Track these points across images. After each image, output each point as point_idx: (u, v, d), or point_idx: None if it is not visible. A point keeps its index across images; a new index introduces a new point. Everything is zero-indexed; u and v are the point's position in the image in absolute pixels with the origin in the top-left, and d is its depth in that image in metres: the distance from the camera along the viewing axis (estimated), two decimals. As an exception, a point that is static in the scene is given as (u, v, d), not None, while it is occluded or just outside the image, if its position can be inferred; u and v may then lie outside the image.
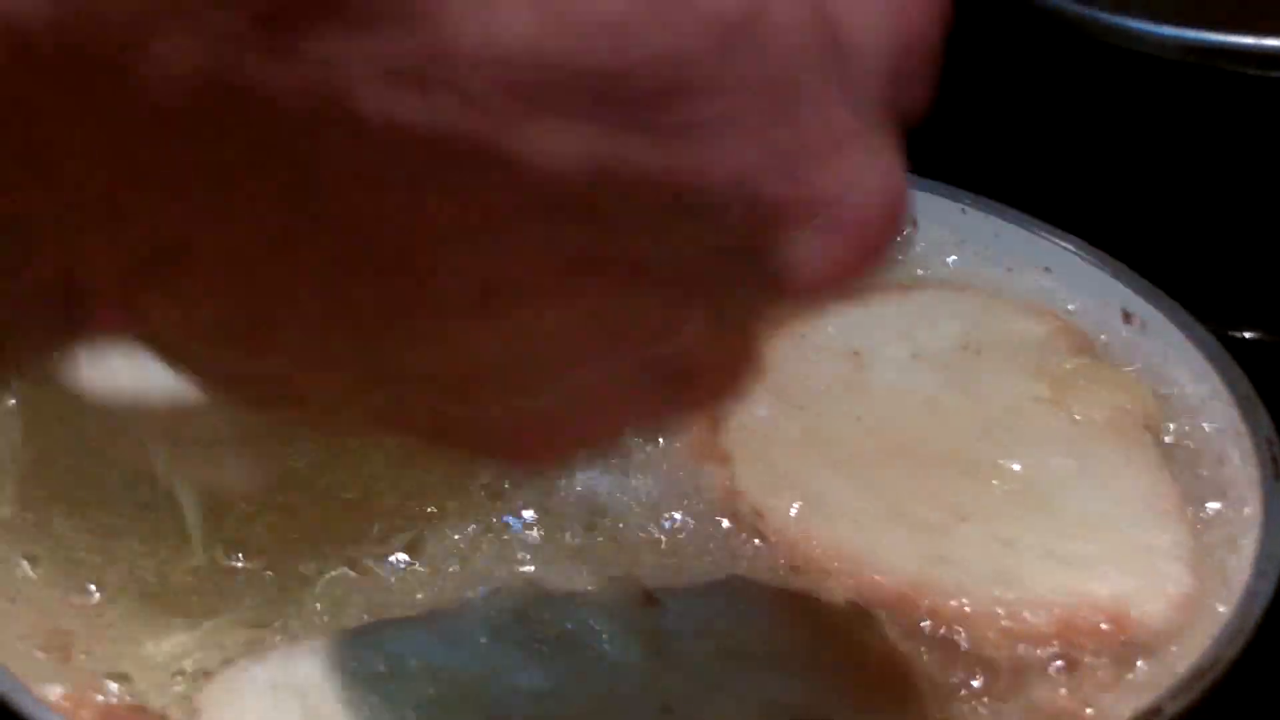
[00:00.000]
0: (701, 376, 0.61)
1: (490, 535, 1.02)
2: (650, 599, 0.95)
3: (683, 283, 0.57)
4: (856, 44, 0.56)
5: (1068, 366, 1.10)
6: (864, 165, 0.57)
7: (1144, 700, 0.90)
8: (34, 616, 0.95)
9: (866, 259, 0.58)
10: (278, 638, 0.94)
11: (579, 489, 1.04)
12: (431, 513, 1.02)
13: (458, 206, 0.52)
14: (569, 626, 0.93)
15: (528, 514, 1.03)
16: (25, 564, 0.98)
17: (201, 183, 0.52)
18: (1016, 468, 1.03)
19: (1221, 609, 0.94)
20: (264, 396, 0.63)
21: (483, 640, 0.93)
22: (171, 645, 0.94)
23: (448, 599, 0.97)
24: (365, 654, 0.92)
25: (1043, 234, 1.20)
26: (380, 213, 0.52)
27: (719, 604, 0.96)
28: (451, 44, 0.49)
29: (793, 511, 1.01)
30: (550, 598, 0.95)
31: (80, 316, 0.57)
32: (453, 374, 0.59)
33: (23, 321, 0.57)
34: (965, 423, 1.08)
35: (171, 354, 0.60)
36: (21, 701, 0.86)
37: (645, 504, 1.04)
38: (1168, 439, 1.07)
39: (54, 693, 0.89)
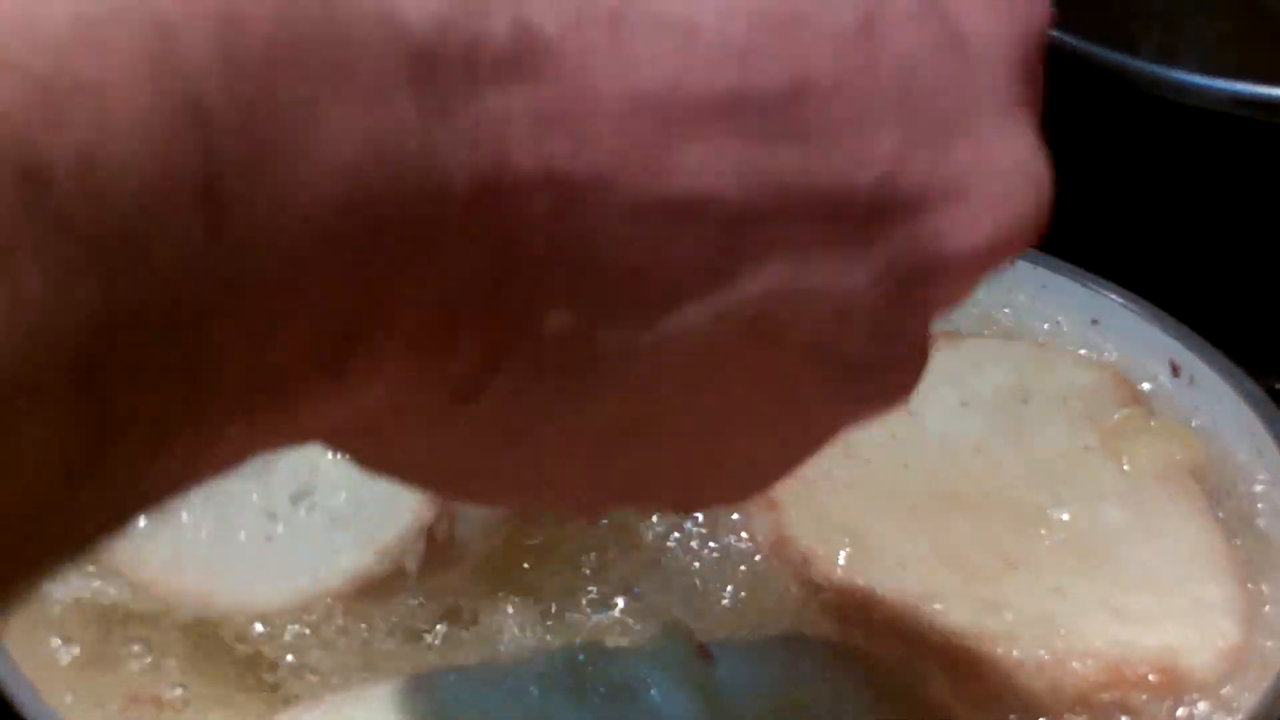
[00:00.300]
0: (876, 378, 0.63)
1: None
2: (704, 652, 0.94)
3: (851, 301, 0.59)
4: (972, 33, 0.58)
5: (1117, 416, 1.11)
6: (1000, 143, 0.59)
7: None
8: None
9: (1016, 235, 0.60)
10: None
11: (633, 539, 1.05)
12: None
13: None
14: (621, 678, 0.93)
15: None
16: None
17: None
18: (1066, 517, 1.04)
19: (1272, 662, 0.94)
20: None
21: (534, 690, 0.93)
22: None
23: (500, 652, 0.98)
24: (418, 703, 0.92)
25: (1090, 286, 1.21)
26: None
27: (772, 657, 0.96)
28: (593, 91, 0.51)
29: (841, 558, 1.02)
30: (602, 648, 0.95)
31: None
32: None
33: None
34: (1015, 471, 1.08)
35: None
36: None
37: (695, 550, 1.04)
38: (1217, 491, 1.07)
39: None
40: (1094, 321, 1.19)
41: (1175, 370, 1.15)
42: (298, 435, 0.53)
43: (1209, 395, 1.12)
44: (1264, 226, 1.35)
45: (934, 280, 0.59)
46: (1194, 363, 1.14)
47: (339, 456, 0.61)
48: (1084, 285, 1.21)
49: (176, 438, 0.46)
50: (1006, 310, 1.22)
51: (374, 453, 0.61)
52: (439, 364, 0.53)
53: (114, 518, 0.47)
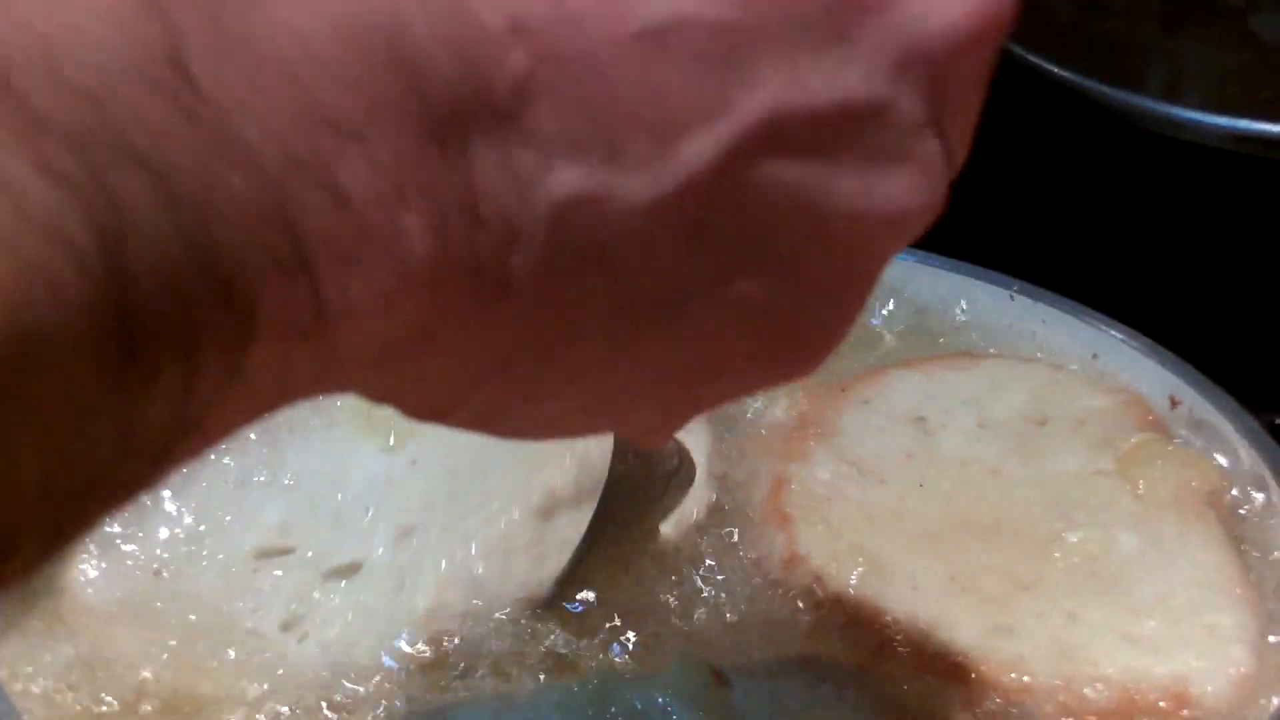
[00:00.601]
0: (905, 179, 0.62)
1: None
2: (721, 678, 0.95)
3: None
4: None
5: (1133, 441, 1.10)
6: None
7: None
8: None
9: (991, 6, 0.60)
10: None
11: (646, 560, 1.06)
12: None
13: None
14: (640, 707, 0.94)
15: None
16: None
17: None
18: (1080, 541, 1.04)
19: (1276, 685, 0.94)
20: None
21: (552, 715, 0.93)
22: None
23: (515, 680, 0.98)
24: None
25: (1089, 320, 1.21)
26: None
27: (790, 682, 0.96)
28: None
29: (853, 579, 1.02)
30: (621, 677, 0.96)
31: None
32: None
33: None
34: (1029, 494, 1.08)
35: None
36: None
37: (709, 570, 1.04)
38: (1232, 518, 1.07)
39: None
40: (1094, 356, 1.20)
41: (1174, 404, 1.15)
42: (337, 371, 0.54)
43: (1208, 427, 1.12)
44: (1264, 262, 1.35)
45: (928, 64, 0.59)
46: (1193, 396, 1.14)
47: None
48: (1084, 320, 1.21)
49: (205, 354, 0.46)
50: (1007, 344, 1.23)
51: (420, 385, 0.60)
52: (459, 244, 0.53)
53: (152, 461, 0.47)
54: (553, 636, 0.99)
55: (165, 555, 1.03)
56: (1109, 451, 1.10)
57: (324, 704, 0.94)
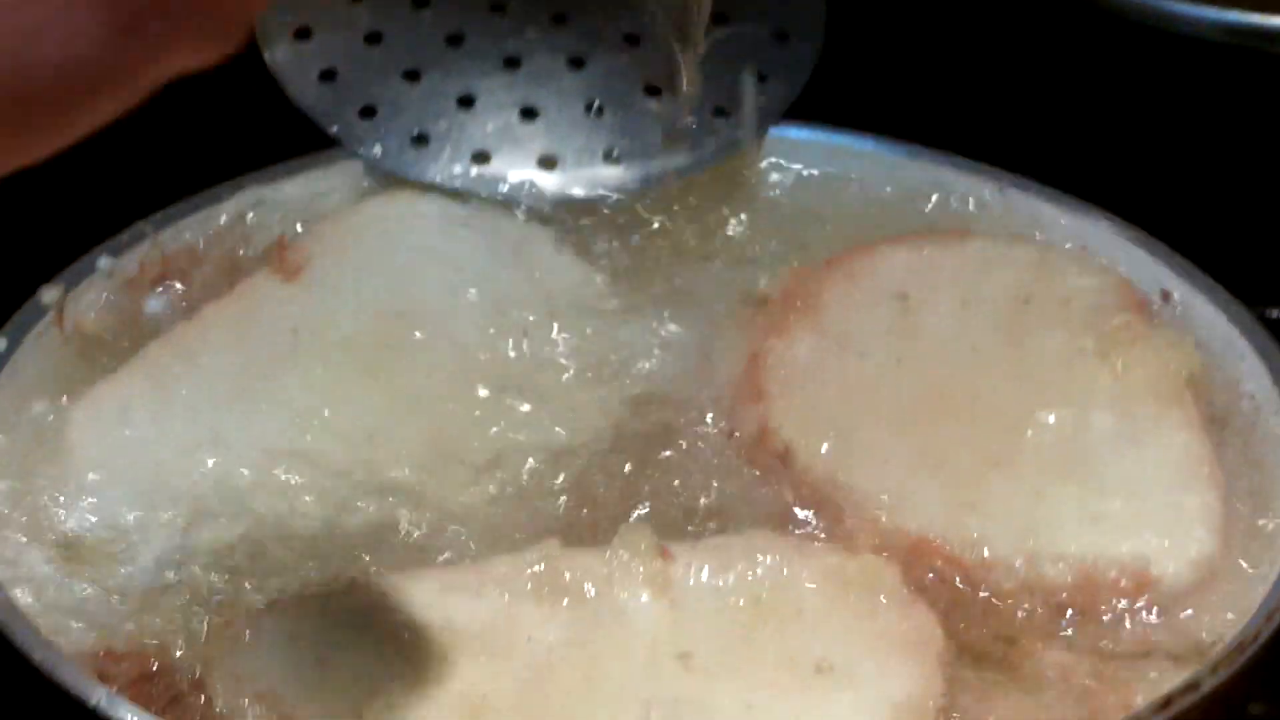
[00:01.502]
0: None
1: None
2: (664, 552, 0.95)
3: None
4: None
5: (1116, 322, 1.09)
6: None
7: (1171, 666, 0.91)
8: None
9: None
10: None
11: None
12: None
13: None
14: (583, 581, 0.94)
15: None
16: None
17: None
18: (1054, 421, 1.03)
19: (1248, 573, 0.95)
20: None
21: (497, 594, 0.94)
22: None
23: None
24: (384, 611, 0.93)
25: (1082, 213, 1.20)
26: None
27: (733, 555, 0.96)
28: None
29: (823, 451, 1.01)
30: (564, 552, 0.96)
31: None
32: None
33: None
34: (1008, 372, 1.07)
35: None
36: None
37: (675, 440, 1.05)
38: (1209, 405, 1.06)
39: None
40: (1085, 248, 1.18)
41: (1166, 296, 1.14)
42: None
43: (1198, 319, 1.11)
44: (1256, 155, 1.33)
45: None
46: (1185, 288, 1.13)
47: None
48: (1077, 213, 1.20)
49: None
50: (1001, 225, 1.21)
51: None
52: None
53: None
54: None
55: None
56: (1091, 332, 1.09)
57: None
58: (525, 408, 1.07)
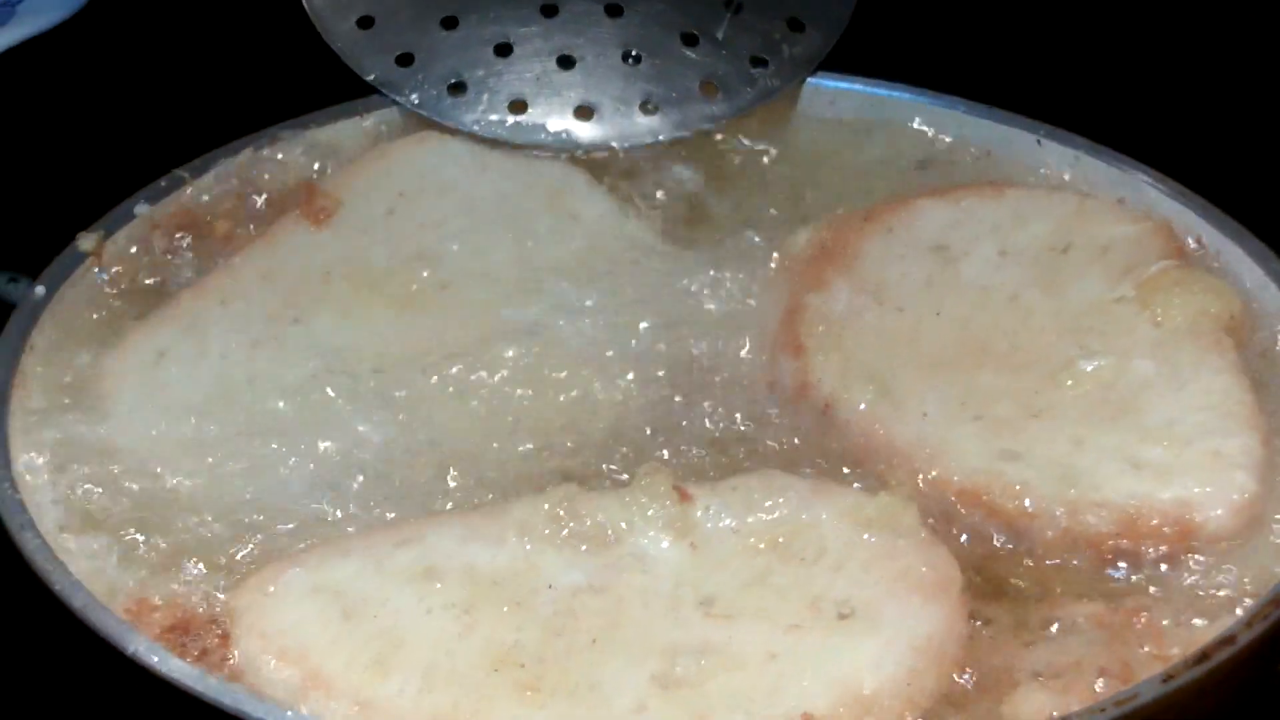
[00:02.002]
0: None
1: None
2: (683, 493, 0.95)
3: None
4: None
5: (1154, 269, 1.09)
6: None
7: (1213, 618, 0.90)
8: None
9: None
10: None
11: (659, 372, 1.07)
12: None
13: None
14: (602, 523, 0.94)
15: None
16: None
17: None
18: (1093, 368, 1.03)
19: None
20: None
21: (516, 539, 0.94)
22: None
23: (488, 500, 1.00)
24: (402, 556, 0.94)
25: (1118, 164, 1.20)
26: None
27: (753, 497, 0.96)
28: None
29: (862, 404, 1.02)
30: (582, 495, 0.96)
31: None
32: None
33: None
34: (1047, 321, 1.07)
35: None
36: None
37: (715, 397, 1.05)
38: (1250, 348, 1.06)
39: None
40: (1120, 200, 1.18)
41: (1200, 245, 1.14)
42: None
43: (1233, 269, 1.12)
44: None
45: None
46: (1219, 238, 1.13)
47: None
48: (1112, 163, 1.20)
49: None
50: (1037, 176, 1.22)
51: None
52: None
53: None
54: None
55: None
56: (1130, 279, 1.09)
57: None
58: (552, 350, 1.08)
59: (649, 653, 0.88)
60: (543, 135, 1.22)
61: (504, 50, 1.23)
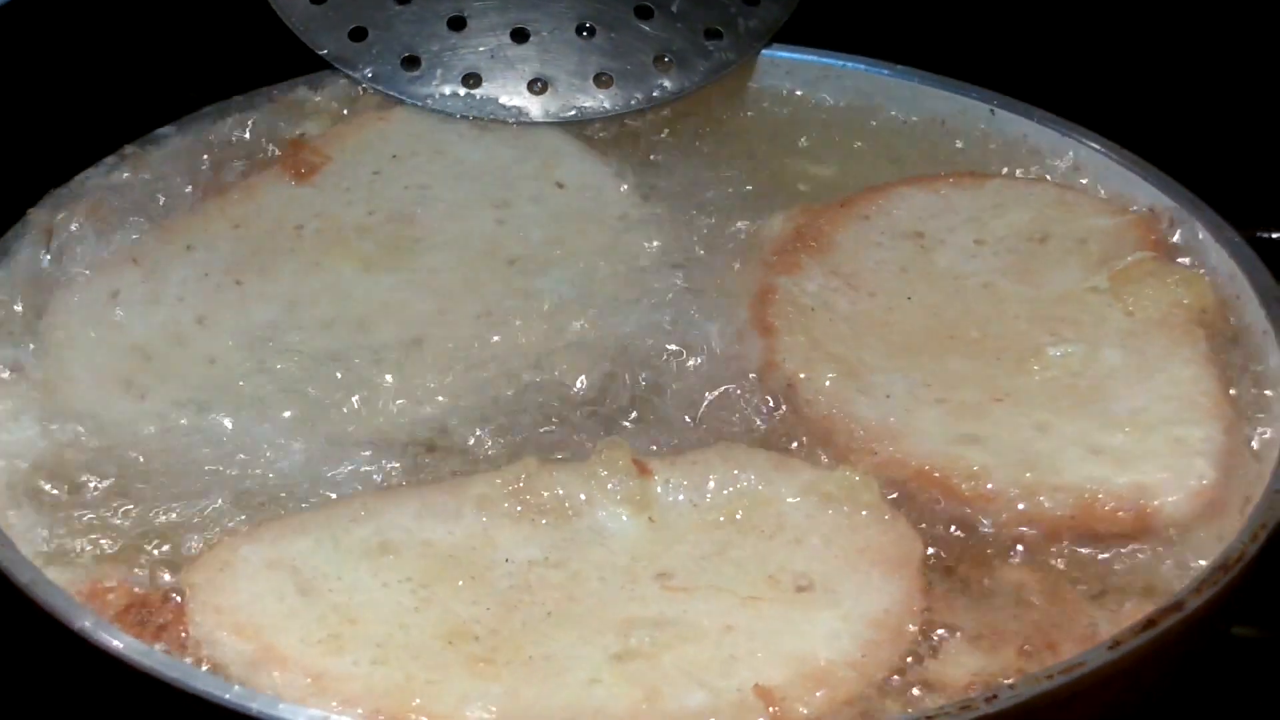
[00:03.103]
0: None
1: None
2: (643, 468, 0.97)
3: None
4: None
5: (1130, 259, 1.10)
6: None
7: (1162, 594, 0.91)
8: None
9: None
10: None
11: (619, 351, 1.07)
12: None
13: None
14: (561, 498, 0.96)
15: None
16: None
17: None
18: (1062, 355, 1.04)
19: (1245, 505, 0.94)
20: None
21: (474, 514, 0.95)
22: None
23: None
24: (358, 530, 0.95)
25: (1072, 135, 1.22)
26: None
27: (712, 472, 0.97)
28: None
29: (826, 385, 1.03)
30: (541, 468, 0.97)
31: None
32: None
33: None
34: (1019, 309, 1.09)
35: None
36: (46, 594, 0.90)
37: (681, 375, 1.06)
38: (1223, 338, 1.07)
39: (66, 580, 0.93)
40: (1075, 169, 1.20)
41: (1154, 215, 1.15)
42: None
43: (1188, 241, 1.13)
44: (1248, 76, 1.36)
45: None
46: (1174, 209, 1.14)
47: None
48: (1066, 133, 1.22)
49: None
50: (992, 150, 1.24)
51: None
52: None
53: None
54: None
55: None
56: (1104, 270, 1.10)
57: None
58: (514, 321, 1.09)
59: (604, 626, 0.90)
60: (497, 109, 1.24)
61: (458, 24, 1.25)
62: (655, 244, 1.15)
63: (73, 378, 1.04)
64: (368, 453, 1.01)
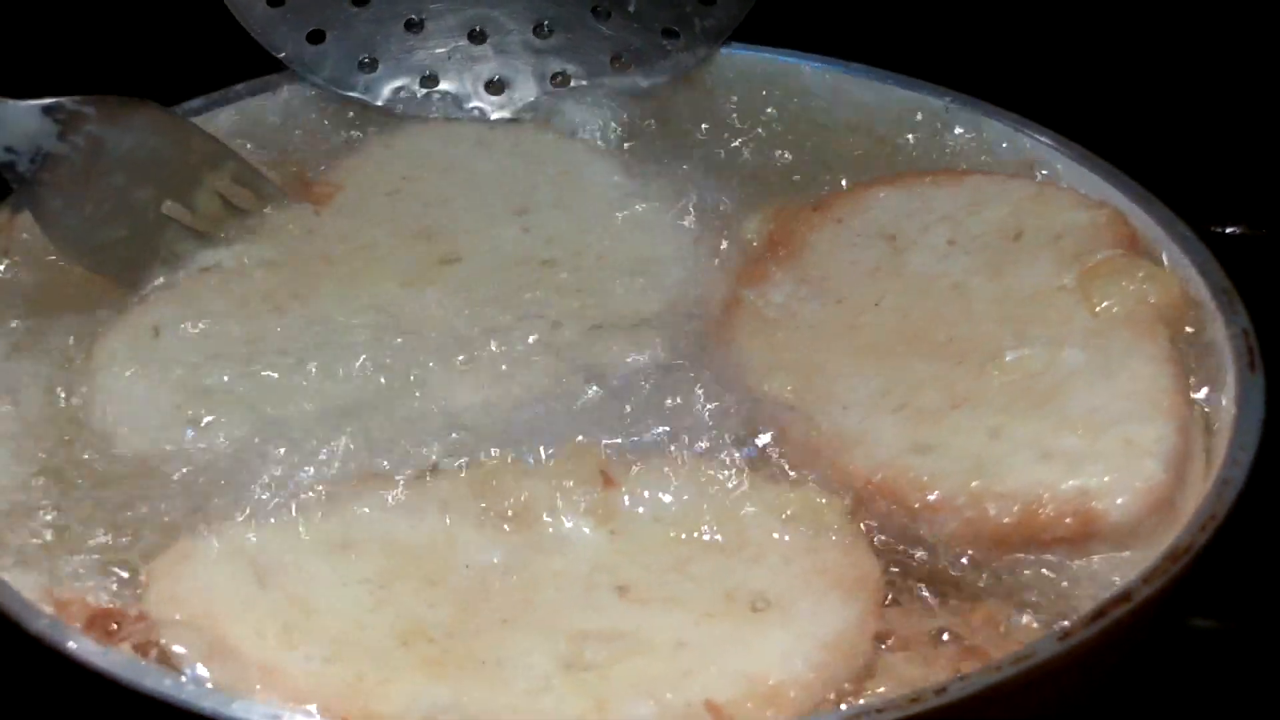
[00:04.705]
0: None
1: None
2: (608, 479, 0.99)
3: None
4: None
5: (1100, 257, 1.12)
6: None
7: (1107, 589, 0.93)
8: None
9: None
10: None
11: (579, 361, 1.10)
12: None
13: None
14: (525, 504, 0.98)
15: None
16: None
17: None
18: (1022, 357, 1.06)
19: (1193, 503, 0.96)
20: None
21: (437, 516, 0.98)
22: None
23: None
24: (323, 526, 0.97)
25: (1026, 131, 1.24)
26: None
27: (677, 484, 0.99)
28: None
29: (785, 393, 1.05)
30: (506, 474, 0.99)
31: None
32: None
33: None
34: (986, 310, 1.10)
35: None
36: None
37: (638, 384, 1.08)
38: (1182, 338, 1.08)
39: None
40: (1031, 165, 1.23)
41: (1101, 206, 1.17)
42: None
43: (1144, 237, 1.15)
44: (1202, 71, 1.38)
45: None
46: (1128, 205, 1.16)
47: None
48: (1020, 131, 1.24)
49: None
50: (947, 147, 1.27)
51: None
52: None
53: None
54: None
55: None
56: (1074, 268, 1.12)
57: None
58: (545, 327, 1.12)
59: (558, 634, 0.92)
60: (455, 110, 1.27)
61: (415, 26, 1.28)
62: (651, 248, 1.19)
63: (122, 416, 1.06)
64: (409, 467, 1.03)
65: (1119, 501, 0.96)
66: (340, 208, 1.21)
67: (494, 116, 1.27)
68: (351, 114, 1.28)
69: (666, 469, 1.01)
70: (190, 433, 1.04)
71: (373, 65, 1.27)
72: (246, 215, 1.18)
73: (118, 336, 1.11)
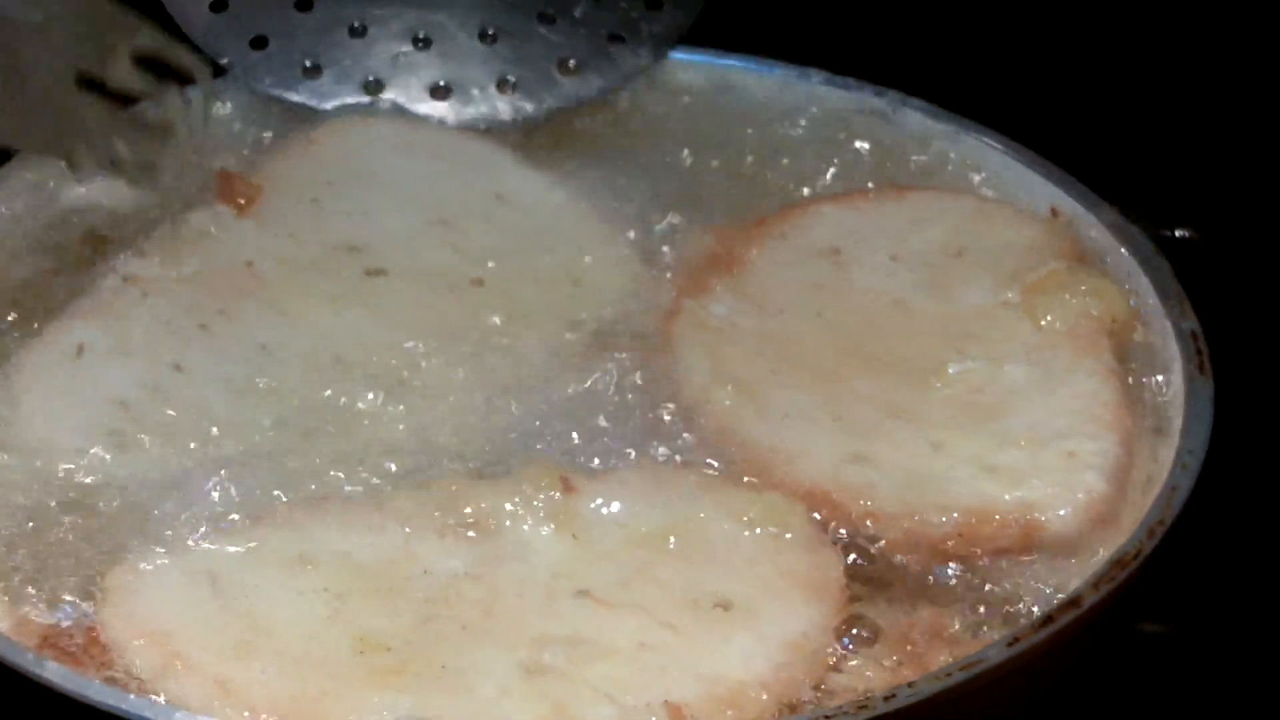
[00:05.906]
0: None
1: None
2: (568, 485, 1.00)
3: None
4: None
5: (1044, 271, 1.13)
6: None
7: (1050, 596, 0.95)
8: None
9: None
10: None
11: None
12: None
13: None
14: (486, 514, 0.99)
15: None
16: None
17: None
18: (964, 371, 1.08)
19: (1137, 513, 0.98)
20: None
21: (397, 528, 0.98)
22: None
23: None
24: (277, 540, 0.98)
25: (970, 132, 1.26)
26: None
27: (637, 490, 1.01)
28: None
29: (724, 405, 1.06)
30: (467, 484, 1.01)
31: None
32: None
33: None
34: (928, 326, 1.12)
35: None
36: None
37: (580, 393, 1.09)
38: (1127, 352, 1.10)
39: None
40: (975, 168, 1.24)
41: (1055, 215, 1.19)
42: None
43: (1090, 241, 1.17)
44: (1151, 74, 1.40)
45: None
46: (1075, 208, 1.19)
47: None
48: (965, 132, 1.26)
49: None
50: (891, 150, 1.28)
51: None
52: None
53: None
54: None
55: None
56: (1018, 283, 1.14)
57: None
58: (476, 341, 1.12)
59: (519, 641, 0.93)
60: (400, 114, 1.28)
61: (359, 31, 1.29)
62: (588, 259, 1.19)
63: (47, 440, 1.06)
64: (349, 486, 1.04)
65: (1061, 513, 0.98)
66: (262, 214, 1.20)
67: (438, 122, 1.28)
68: (274, 112, 1.28)
69: (627, 474, 1.02)
70: (121, 455, 1.04)
71: (316, 71, 1.28)
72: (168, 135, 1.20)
73: (41, 355, 1.10)
